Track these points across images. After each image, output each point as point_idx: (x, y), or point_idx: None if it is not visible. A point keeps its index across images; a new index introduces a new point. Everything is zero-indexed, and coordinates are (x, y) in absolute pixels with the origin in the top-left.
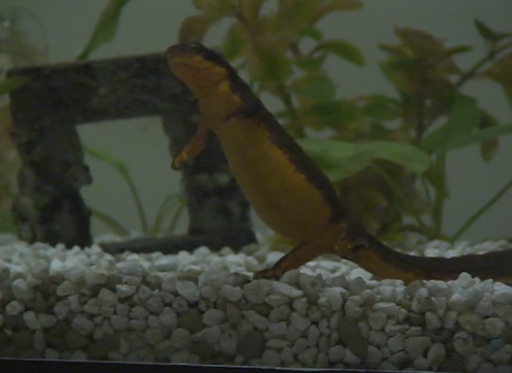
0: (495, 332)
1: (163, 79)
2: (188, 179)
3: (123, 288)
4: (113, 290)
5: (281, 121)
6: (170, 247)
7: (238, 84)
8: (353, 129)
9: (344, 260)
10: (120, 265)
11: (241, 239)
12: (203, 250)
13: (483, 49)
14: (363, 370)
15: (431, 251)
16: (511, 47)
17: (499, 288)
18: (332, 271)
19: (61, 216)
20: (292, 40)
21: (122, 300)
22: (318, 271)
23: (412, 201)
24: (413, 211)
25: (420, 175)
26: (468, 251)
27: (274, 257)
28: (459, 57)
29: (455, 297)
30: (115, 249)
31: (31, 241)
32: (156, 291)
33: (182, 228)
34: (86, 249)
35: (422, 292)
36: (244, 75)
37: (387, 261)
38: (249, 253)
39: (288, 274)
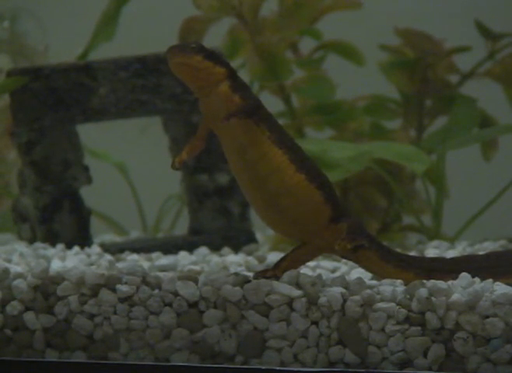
0: (495, 332)
1: (163, 79)
2: (188, 179)
3: (123, 288)
4: (113, 290)
5: (281, 121)
6: (170, 247)
7: (238, 84)
8: (353, 129)
9: (344, 260)
10: (120, 265)
11: (241, 239)
12: (203, 250)
13: (483, 49)
14: (363, 370)
15: (431, 251)
16: (511, 47)
17: (499, 288)
18: (332, 271)
19: (61, 216)
20: (292, 40)
21: (122, 300)
22: (318, 271)
23: (412, 201)
24: (413, 211)
25: (420, 175)
26: (468, 251)
27: (274, 257)
28: (459, 57)
29: (455, 297)
30: (115, 249)
31: (31, 241)
32: (156, 291)
33: (182, 228)
34: (86, 249)
35: (422, 292)
36: (244, 75)
37: (387, 261)
38: (249, 253)
39: (288, 274)
